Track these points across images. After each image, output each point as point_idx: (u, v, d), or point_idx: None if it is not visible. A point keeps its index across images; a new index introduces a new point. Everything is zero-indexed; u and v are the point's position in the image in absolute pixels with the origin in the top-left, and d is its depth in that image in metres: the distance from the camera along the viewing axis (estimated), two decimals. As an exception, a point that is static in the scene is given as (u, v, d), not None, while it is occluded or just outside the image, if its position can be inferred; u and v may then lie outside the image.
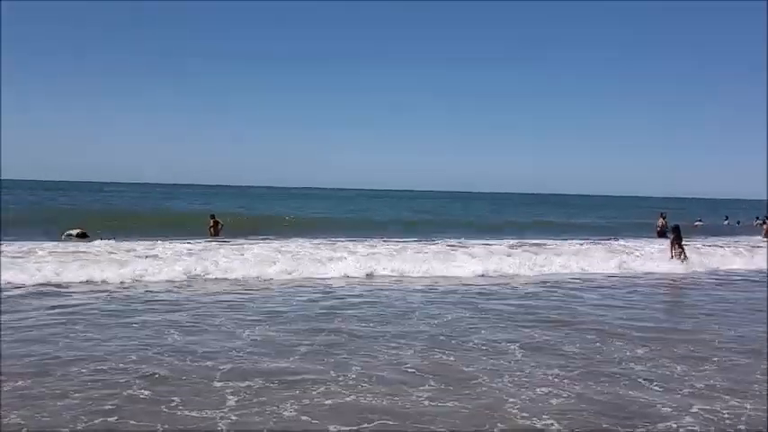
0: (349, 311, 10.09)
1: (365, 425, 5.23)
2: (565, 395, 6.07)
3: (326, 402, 5.72)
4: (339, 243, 19.48)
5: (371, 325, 9.10)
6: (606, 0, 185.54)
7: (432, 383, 6.34)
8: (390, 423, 5.28)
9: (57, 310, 9.65)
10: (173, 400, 5.66)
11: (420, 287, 13.12)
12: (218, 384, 6.17)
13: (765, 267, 17.89)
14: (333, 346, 7.74)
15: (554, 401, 5.89)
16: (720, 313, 10.82)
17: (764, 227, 28.71)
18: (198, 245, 17.99)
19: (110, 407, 5.48)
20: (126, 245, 17.24)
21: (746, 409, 5.79)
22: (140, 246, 17.14)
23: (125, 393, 5.84)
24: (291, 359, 7.13)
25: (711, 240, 25.24)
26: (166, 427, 5.08)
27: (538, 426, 5.28)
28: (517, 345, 8.03)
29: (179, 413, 5.37)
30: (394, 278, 14.30)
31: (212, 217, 23.75)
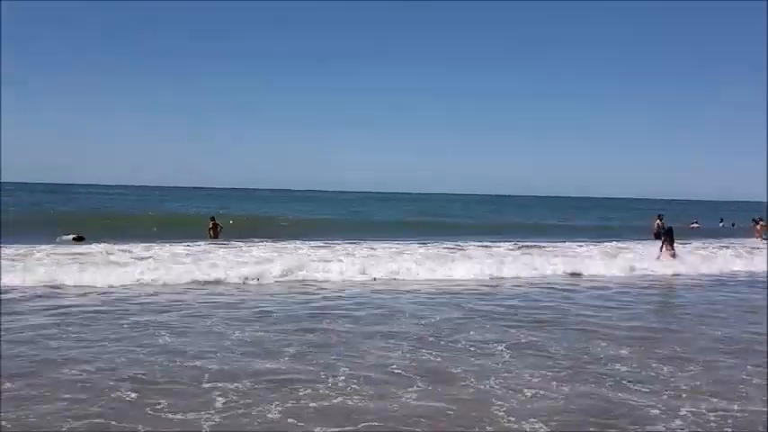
0: (340, 313, 10.10)
1: (351, 427, 5.23)
2: (552, 397, 6.07)
3: (312, 404, 5.72)
4: (336, 245, 19.48)
5: (361, 326, 9.11)
6: (606, 0, 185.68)
7: (419, 385, 6.34)
8: (376, 425, 5.28)
9: (49, 312, 9.67)
10: (159, 402, 5.66)
11: (413, 289, 13.13)
12: (207, 386, 6.17)
13: (759, 269, 17.90)
14: (322, 347, 7.75)
15: (541, 404, 5.88)
16: (709, 314, 10.85)
17: (757, 227, 28.66)
18: (195, 247, 17.96)
19: (96, 409, 5.48)
20: (123, 248, 17.23)
21: (734, 410, 5.79)
22: (137, 248, 17.15)
23: (113, 395, 5.85)
24: (281, 360, 7.13)
25: (706, 242, 25.26)
26: (149, 428, 5.09)
27: (526, 429, 5.27)
28: (504, 345, 8.06)
29: (163, 415, 5.37)
30: (388, 280, 14.30)
31: (212, 219, 23.74)
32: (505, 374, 6.75)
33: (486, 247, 20.80)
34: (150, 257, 15.72)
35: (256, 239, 20.68)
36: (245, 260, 15.64)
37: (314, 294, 12.07)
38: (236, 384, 6.19)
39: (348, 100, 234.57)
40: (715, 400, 6.07)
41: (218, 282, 13.22)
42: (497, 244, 21.69)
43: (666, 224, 23.03)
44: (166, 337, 8.15)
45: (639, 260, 18.08)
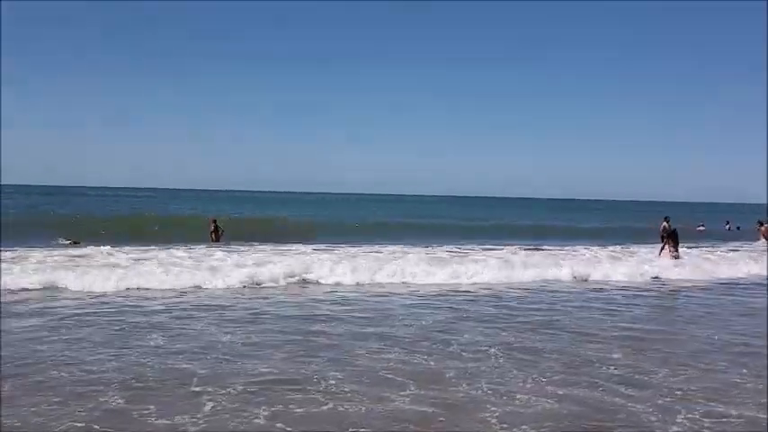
0: (334, 315, 10.04)
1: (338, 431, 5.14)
2: (545, 401, 5.97)
3: (301, 409, 5.64)
4: (337, 248, 19.40)
5: (355, 329, 9.03)
6: (606, 0, 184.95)
7: (411, 389, 6.25)
8: (365, 430, 5.20)
9: (42, 315, 9.61)
10: (147, 407, 5.58)
11: (410, 291, 13.06)
12: (197, 389, 6.10)
13: (762, 272, 17.75)
14: (314, 350, 7.68)
15: (534, 409, 5.78)
16: (706, 317, 10.78)
17: (761, 229, 28.49)
18: (195, 251, 17.84)
19: (82, 412, 5.41)
20: (120, 250, 17.16)
21: (732, 415, 5.69)
22: (136, 251, 17.08)
23: (101, 399, 5.78)
24: (272, 363, 7.05)
25: (713, 245, 25.14)
26: (134, 432, 5.01)
27: (516, 434, 5.18)
28: (497, 348, 7.98)
29: (149, 420, 5.29)
30: (386, 283, 14.23)
31: (214, 221, 23.60)
32: (498, 379, 6.66)
33: (487, 249, 20.68)
34: (149, 260, 15.65)
35: (257, 242, 20.61)
36: (245, 263, 15.56)
37: (310, 298, 12.00)
38: (226, 389, 6.11)
39: (348, 100, 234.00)
40: (713, 403, 5.98)
41: (218, 285, 13.11)
42: (500, 247, 21.54)
43: (673, 226, 22.85)
44: (159, 340, 8.08)
45: (648, 264, 17.89)
